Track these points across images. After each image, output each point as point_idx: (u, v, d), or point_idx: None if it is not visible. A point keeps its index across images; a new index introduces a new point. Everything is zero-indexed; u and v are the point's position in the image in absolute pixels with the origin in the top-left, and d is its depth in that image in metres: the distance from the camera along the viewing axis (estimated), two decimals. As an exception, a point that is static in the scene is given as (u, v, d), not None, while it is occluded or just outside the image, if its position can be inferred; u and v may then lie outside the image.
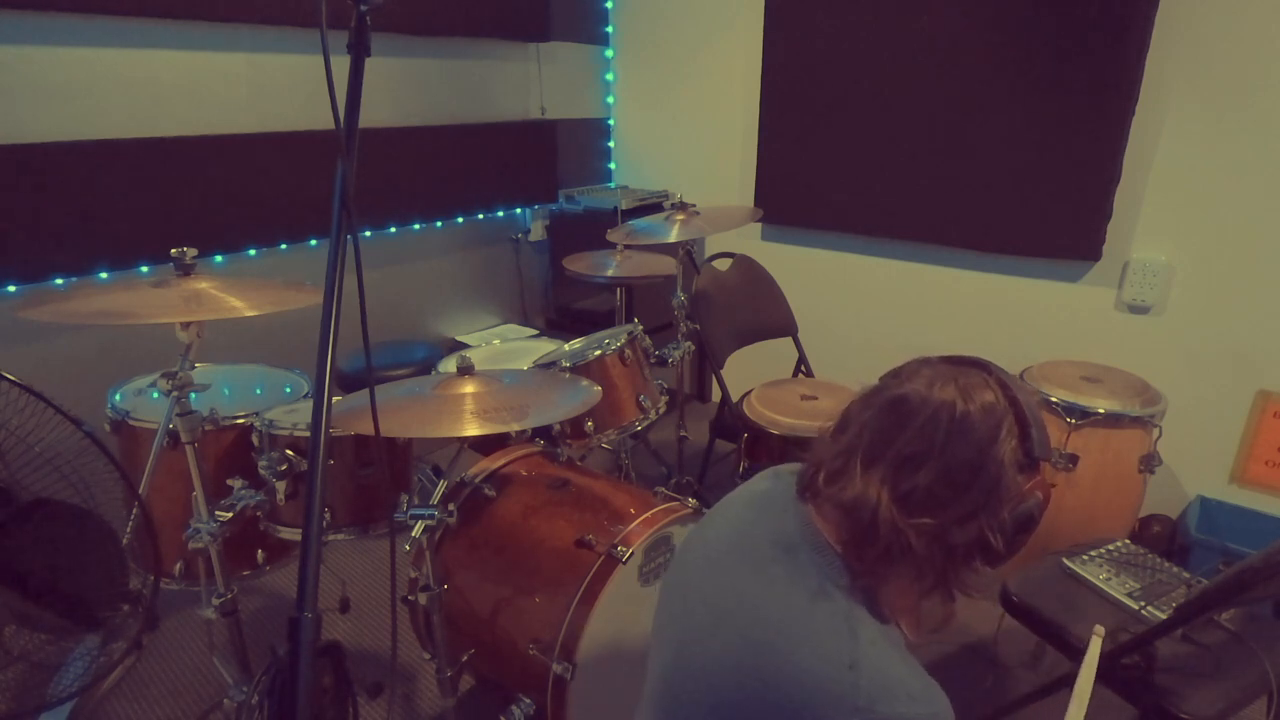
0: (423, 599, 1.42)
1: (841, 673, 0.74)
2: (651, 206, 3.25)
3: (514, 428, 1.38)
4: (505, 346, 2.65)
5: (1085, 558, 1.67)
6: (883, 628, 0.80)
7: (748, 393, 2.33)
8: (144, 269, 2.25)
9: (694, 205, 2.33)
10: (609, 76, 3.60)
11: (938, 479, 0.79)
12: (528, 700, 1.54)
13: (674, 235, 2.16)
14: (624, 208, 3.12)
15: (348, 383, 2.35)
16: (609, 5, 3.48)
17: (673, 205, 2.30)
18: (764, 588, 0.83)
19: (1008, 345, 2.68)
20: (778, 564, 0.85)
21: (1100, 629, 1.21)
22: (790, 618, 0.80)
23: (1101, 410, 2.01)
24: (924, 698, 0.75)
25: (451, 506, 1.36)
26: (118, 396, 1.80)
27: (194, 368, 1.43)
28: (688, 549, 1.00)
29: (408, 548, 1.48)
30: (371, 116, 2.71)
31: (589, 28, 3.46)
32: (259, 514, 1.58)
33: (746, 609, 0.83)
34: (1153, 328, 2.44)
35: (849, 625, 0.78)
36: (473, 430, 1.27)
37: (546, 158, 3.37)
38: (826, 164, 2.97)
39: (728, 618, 0.84)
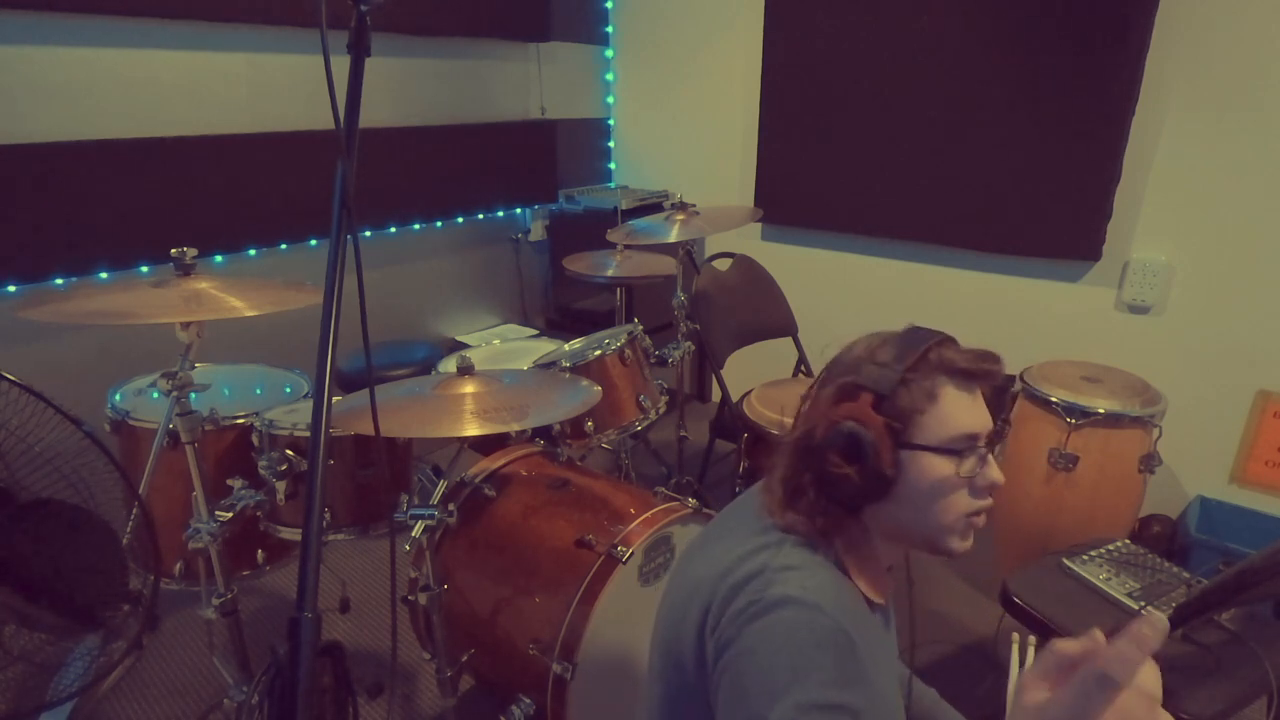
0: (423, 599, 1.42)
1: (754, 567, 0.81)
2: (651, 206, 3.25)
3: (514, 428, 1.39)
4: (505, 346, 2.65)
5: (1085, 558, 1.67)
6: (812, 555, 0.84)
7: (748, 393, 2.32)
8: (144, 269, 2.25)
9: (694, 205, 2.33)
10: (609, 76, 3.60)
11: (802, 412, 0.92)
12: (528, 700, 1.54)
13: (674, 235, 2.16)
14: (624, 208, 3.12)
15: (348, 383, 2.35)
16: (609, 5, 3.48)
17: (673, 205, 2.30)
18: (728, 540, 0.90)
19: (1008, 345, 2.65)
20: (747, 512, 0.92)
21: (1016, 636, 1.21)
22: (735, 545, 0.87)
23: (1101, 410, 2.01)
24: (816, 593, 0.78)
25: (451, 506, 1.37)
26: (118, 396, 1.80)
27: (194, 368, 1.43)
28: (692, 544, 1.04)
29: (408, 548, 1.48)
30: (371, 116, 2.71)
31: (589, 28, 3.46)
32: (259, 514, 1.58)
33: (710, 552, 0.90)
34: (1153, 328, 2.44)
35: (778, 547, 0.84)
36: (473, 430, 1.27)
37: (546, 158, 3.37)
38: (826, 164, 2.96)
39: (697, 563, 0.91)
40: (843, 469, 0.83)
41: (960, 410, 0.84)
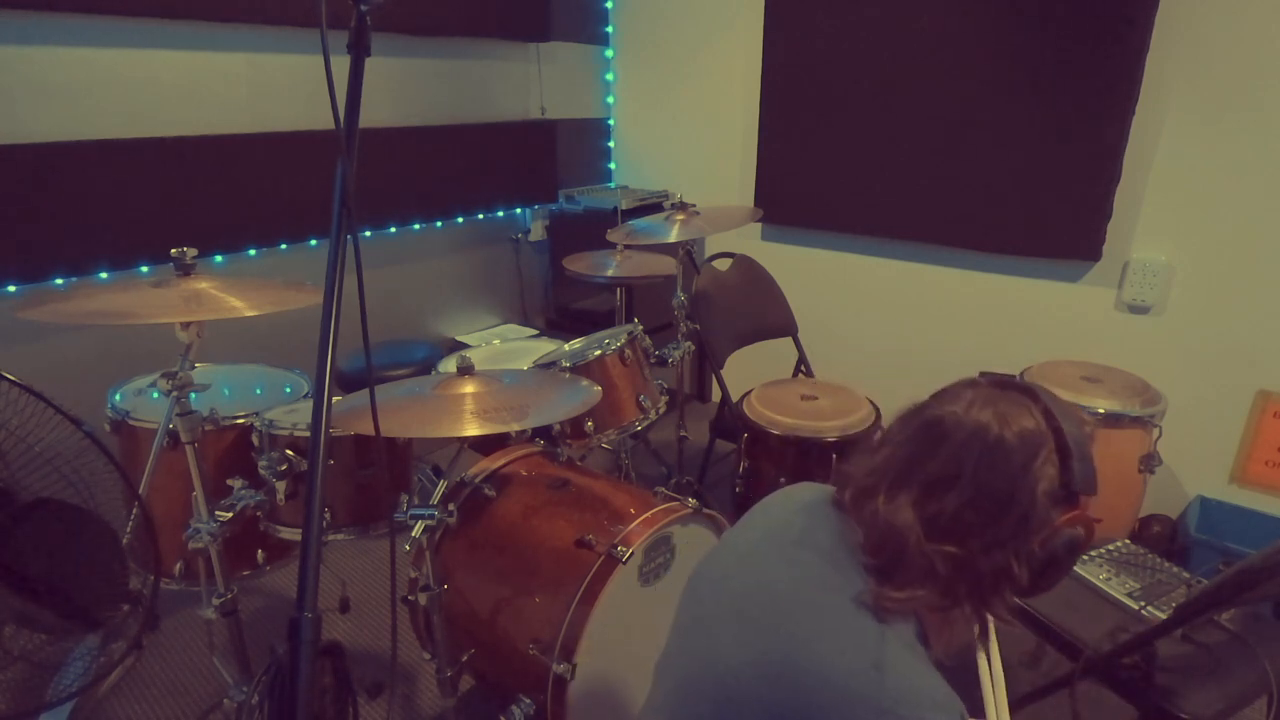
0: (423, 599, 1.42)
1: (867, 672, 0.73)
2: (651, 206, 3.25)
3: (514, 428, 1.38)
4: (505, 346, 2.65)
5: (1085, 558, 1.67)
6: (909, 637, 0.79)
7: (748, 393, 2.32)
8: (144, 269, 2.25)
9: (694, 205, 2.33)
10: (609, 76, 3.60)
11: (966, 505, 0.78)
12: (528, 700, 1.53)
13: (674, 235, 2.16)
14: (624, 208, 3.12)
15: (348, 383, 2.35)
16: (609, 5, 3.48)
17: (673, 205, 2.30)
18: (795, 585, 0.83)
19: (1008, 345, 2.68)
20: (811, 565, 0.84)
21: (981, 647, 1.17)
22: (819, 615, 0.79)
23: (1101, 410, 2.01)
24: (947, 706, 0.74)
25: (451, 506, 1.36)
26: (118, 396, 1.80)
27: (194, 368, 1.43)
28: (720, 549, 0.99)
29: (408, 548, 1.48)
30: (371, 116, 2.71)
31: (589, 28, 3.46)
32: (259, 514, 1.58)
33: (774, 603, 0.82)
34: (1153, 328, 2.44)
35: (877, 628, 0.77)
36: (473, 430, 1.27)
37: (546, 158, 3.37)
38: (826, 164, 2.96)
39: (754, 610, 0.83)
40: (1051, 571, 0.80)
41: None
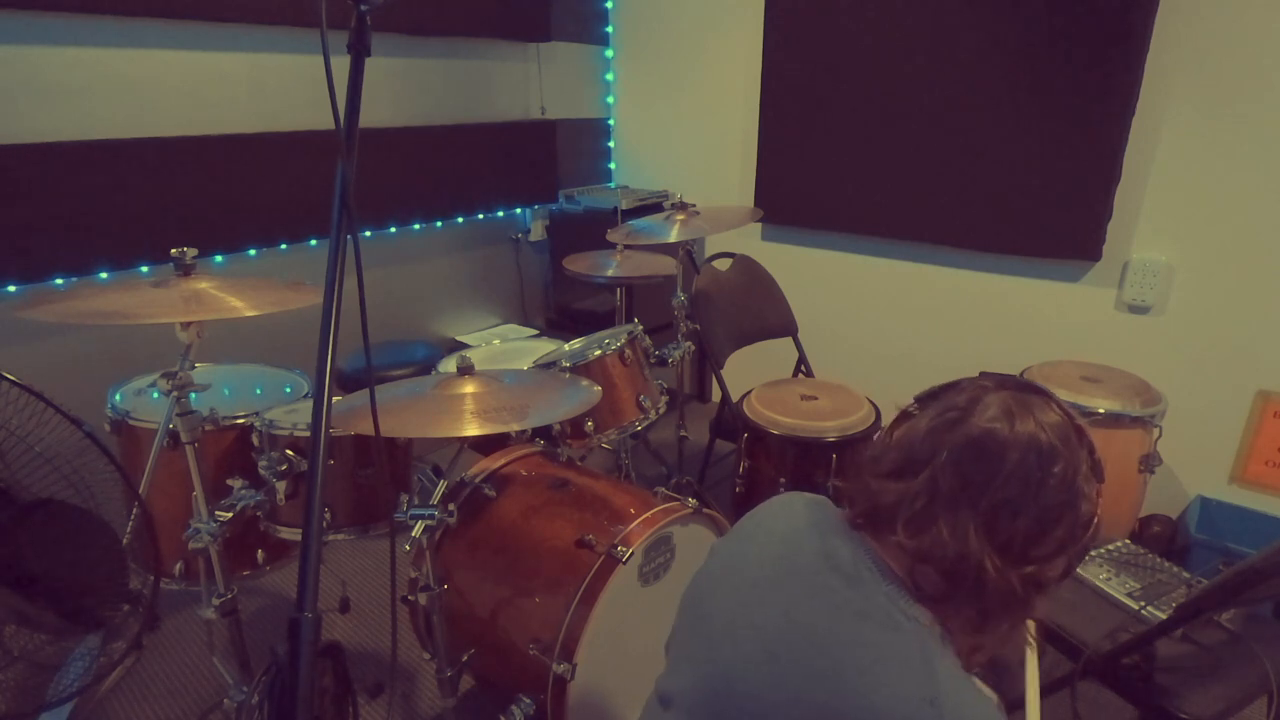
0: (423, 599, 1.42)
1: (923, 709, 0.70)
2: (651, 206, 3.25)
3: (514, 428, 1.38)
4: (505, 346, 2.65)
5: (1086, 557, 1.67)
6: (951, 658, 0.76)
7: (748, 393, 2.32)
8: (144, 269, 2.25)
9: (694, 205, 2.33)
10: (609, 76, 3.60)
11: (1034, 522, 0.76)
12: (528, 700, 1.53)
13: (674, 235, 2.16)
14: (624, 208, 3.12)
15: (348, 383, 2.35)
16: (609, 5, 3.48)
17: (673, 205, 2.30)
18: (826, 616, 0.78)
19: (1008, 345, 2.68)
20: (838, 592, 0.80)
21: (1032, 641, 1.16)
22: (859, 649, 0.75)
23: (1102, 410, 2.01)
24: None
25: (451, 506, 1.36)
26: (118, 396, 1.80)
27: (194, 368, 1.43)
28: (719, 567, 0.93)
29: (408, 548, 1.48)
30: (371, 116, 2.71)
31: (589, 28, 3.46)
32: (259, 514, 1.58)
33: (806, 638, 0.77)
34: (1153, 328, 2.44)
35: (924, 658, 0.73)
36: (473, 430, 1.27)
37: (546, 158, 3.37)
38: (826, 164, 2.96)
39: (783, 647, 0.78)
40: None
41: None
